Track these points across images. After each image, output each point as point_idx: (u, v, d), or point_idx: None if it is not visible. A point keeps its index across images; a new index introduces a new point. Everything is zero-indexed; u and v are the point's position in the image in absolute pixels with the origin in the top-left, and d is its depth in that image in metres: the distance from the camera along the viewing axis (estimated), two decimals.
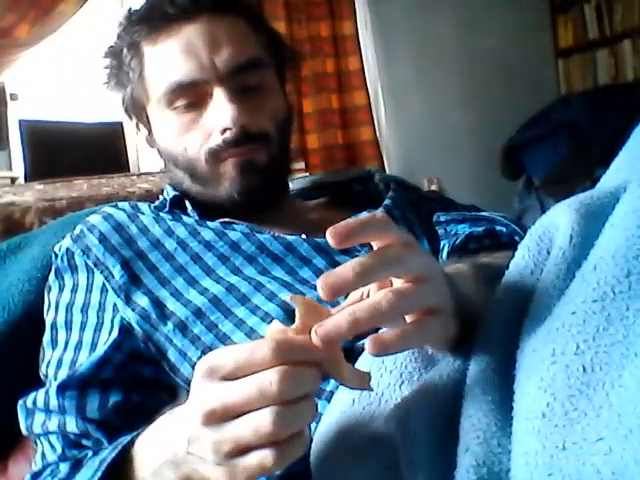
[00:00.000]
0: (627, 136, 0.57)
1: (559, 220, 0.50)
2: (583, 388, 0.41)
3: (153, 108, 0.86)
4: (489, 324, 0.49)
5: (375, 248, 0.46)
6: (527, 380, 0.44)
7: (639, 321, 0.42)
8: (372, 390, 0.49)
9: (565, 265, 0.47)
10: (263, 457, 0.44)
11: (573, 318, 0.44)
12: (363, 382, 0.47)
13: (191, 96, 0.82)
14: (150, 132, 0.90)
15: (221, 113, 0.80)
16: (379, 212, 0.83)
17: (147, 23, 0.84)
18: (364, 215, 0.46)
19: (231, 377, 0.45)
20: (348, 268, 0.43)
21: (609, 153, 0.60)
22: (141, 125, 0.91)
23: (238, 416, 0.44)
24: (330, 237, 0.43)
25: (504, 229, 0.85)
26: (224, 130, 0.81)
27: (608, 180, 0.56)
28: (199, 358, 0.71)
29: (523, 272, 0.50)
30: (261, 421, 0.43)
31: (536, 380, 0.43)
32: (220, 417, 0.45)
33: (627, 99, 3.09)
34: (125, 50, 0.87)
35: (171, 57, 0.82)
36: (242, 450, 0.45)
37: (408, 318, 0.47)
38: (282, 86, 0.91)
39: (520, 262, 0.51)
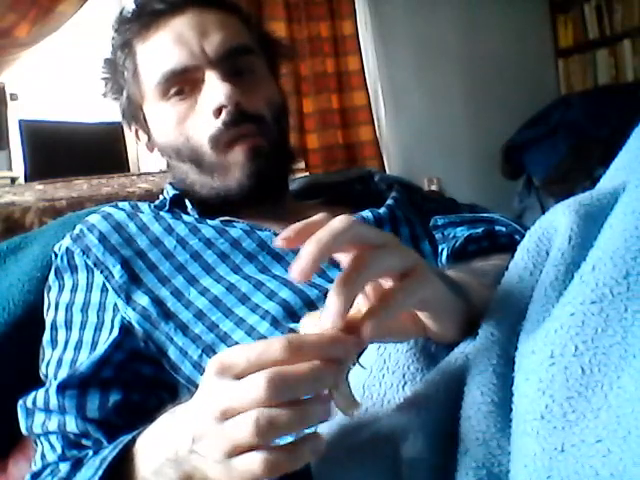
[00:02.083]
0: (627, 136, 0.57)
1: (558, 221, 0.50)
2: (582, 390, 0.41)
3: (149, 104, 0.87)
4: (488, 325, 0.49)
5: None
6: (526, 382, 0.44)
7: (638, 322, 0.42)
8: (351, 417, 0.48)
9: (564, 266, 0.47)
10: (252, 462, 0.44)
11: (572, 319, 0.44)
12: (348, 407, 0.46)
13: (184, 84, 0.83)
14: (149, 135, 0.90)
15: (215, 92, 0.81)
16: (365, 214, 0.84)
17: (137, 21, 0.86)
18: (312, 219, 0.46)
19: (243, 375, 0.45)
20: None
21: (609, 153, 0.60)
22: (140, 131, 0.92)
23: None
24: (278, 242, 0.45)
25: (503, 229, 0.85)
26: (219, 110, 0.81)
27: (608, 180, 0.56)
28: (200, 357, 0.72)
29: (522, 273, 0.50)
30: (245, 422, 0.43)
31: (535, 382, 0.43)
32: (228, 416, 0.45)
33: (627, 99, 3.09)
34: (119, 52, 0.88)
35: (162, 48, 0.84)
36: (244, 449, 0.45)
37: None
38: (275, 79, 0.92)
39: (519, 263, 0.51)
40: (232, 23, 0.87)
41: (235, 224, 0.82)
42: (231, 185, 0.83)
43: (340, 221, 0.45)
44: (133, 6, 0.88)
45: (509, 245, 0.78)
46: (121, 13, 0.89)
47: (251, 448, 0.44)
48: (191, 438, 0.48)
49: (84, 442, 0.71)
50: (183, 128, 0.84)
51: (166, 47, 0.83)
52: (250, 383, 0.43)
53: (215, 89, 0.81)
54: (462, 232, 0.85)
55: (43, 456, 0.73)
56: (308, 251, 0.43)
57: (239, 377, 0.45)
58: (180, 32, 0.83)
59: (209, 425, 0.46)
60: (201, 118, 0.83)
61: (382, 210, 0.85)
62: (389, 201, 0.88)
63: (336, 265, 0.76)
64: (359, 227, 0.45)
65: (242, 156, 0.82)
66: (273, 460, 0.44)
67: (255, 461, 0.44)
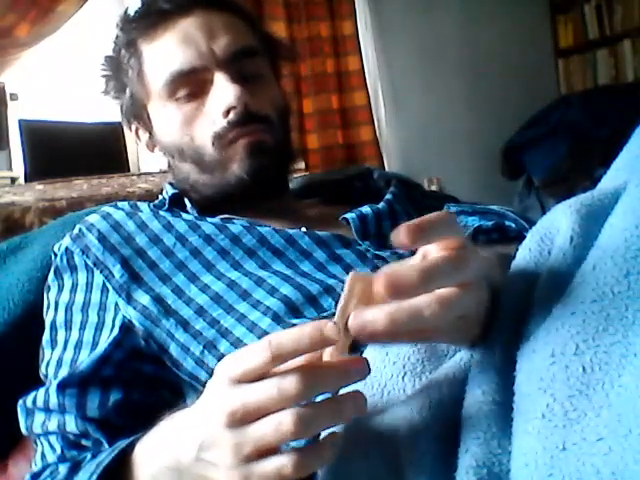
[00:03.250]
0: (627, 136, 0.57)
1: (560, 221, 0.50)
2: (583, 388, 0.41)
3: (154, 103, 0.87)
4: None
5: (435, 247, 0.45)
6: (527, 381, 0.44)
7: (638, 321, 0.42)
8: None
9: (565, 266, 0.47)
10: (281, 465, 0.44)
11: (572, 318, 0.44)
12: None
13: (192, 85, 0.83)
14: (151, 134, 0.90)
15: (224, 93, 0.81)
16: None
17: (143, 21, 0.86)
18: (432, 214, 0.43)
19: (254, 380, 0.45)
20: (413, 272, 0.41)
21: (609, 153, 0.60)
22: (141, 130, 0.92)
23: (261, 418, 0.44)
24: (403, 235, 0.41)
25: (513, 224, 0.85)
26: (227, 111, 0.81)
27: (608, 180, 0.56)
28: (201, 353, 0.72)
29: (524, 272, 0.50)
30: (283, 420, 0.43)
31: (536, 381, 0.43)
32: (241, 419, 0.44)
33: (627, 99, 3.09)
34: (123, 50, 0.88)
35: (169, 49, 0.84)
36: (263, 453, 0.44)
37: None
38: (278, 81, 0.93)
39: (521, 263, 0.51)
40: (238, 24, 0.87)
41: (235, 221, 0.82)
42: (230, 180, 0.83)
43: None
44: (138, 5, 0.88)
45: (517, 240, 0.79)
46: (126, 12, 0.89)
47: (272, 451, 0.44)
48: (197, 446, 0.47)
49: (84, 442, 0.71)
50: (189, 129, 0.84)
51: (173, 47, 0.83)
52: (281, 381, 0.43)
53: (225, 90, 0.81)
54: (473, 222, 0.85)
55: (43, 456, 0.73)
56: (412, 280, 0.41)
57: (254, 380, 0.45)
58: (187, 33, 0.83)
59: (222, 430, 0.45)
60: (208, 119, 0.83)
61: (381, 205, 0.85)
62: (387, 196, 0.88)
63: (337, 260, 0.76)
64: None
65: (243, 150, 0.82)
66: (304, 461, 0.44)
67: (286, 463, 0.43)
